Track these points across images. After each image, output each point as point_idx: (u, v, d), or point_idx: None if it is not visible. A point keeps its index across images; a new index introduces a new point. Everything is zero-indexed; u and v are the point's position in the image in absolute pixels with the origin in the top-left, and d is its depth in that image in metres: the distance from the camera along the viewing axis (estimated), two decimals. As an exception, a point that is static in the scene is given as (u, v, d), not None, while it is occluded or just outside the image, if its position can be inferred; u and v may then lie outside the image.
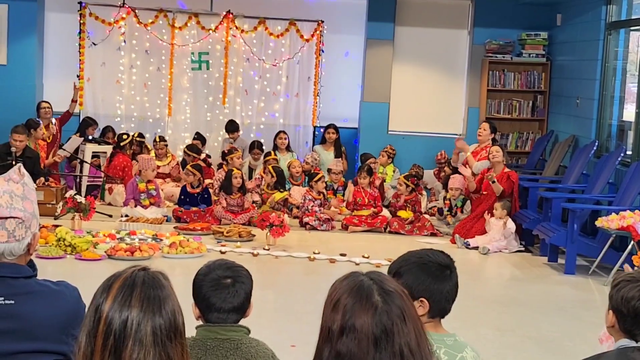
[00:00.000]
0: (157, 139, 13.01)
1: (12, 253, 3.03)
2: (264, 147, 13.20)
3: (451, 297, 3.28)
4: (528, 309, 7.99)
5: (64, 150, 12.46)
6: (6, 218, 2.99)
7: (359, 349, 2.16)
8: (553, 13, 13.37)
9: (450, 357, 3.09)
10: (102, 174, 12.44)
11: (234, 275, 3.40)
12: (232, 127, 13.43)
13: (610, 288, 3.44)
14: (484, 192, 10.84)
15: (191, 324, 3.23)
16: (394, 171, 13.10)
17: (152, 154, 12.73)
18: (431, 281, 3.14)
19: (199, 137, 13.43)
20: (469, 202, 11.43)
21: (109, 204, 12.09)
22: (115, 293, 2.28)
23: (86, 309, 2.37)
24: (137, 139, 12.97)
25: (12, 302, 2.97)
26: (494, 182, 10.63)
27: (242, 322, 3.46)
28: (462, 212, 11.53)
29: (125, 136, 12.76)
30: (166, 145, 13.00)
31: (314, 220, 11.14)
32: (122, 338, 2.23)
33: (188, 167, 11.69)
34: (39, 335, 2.97)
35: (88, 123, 13.04)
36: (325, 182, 11.99)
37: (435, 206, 12.08)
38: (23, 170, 3.13)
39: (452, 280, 3.29)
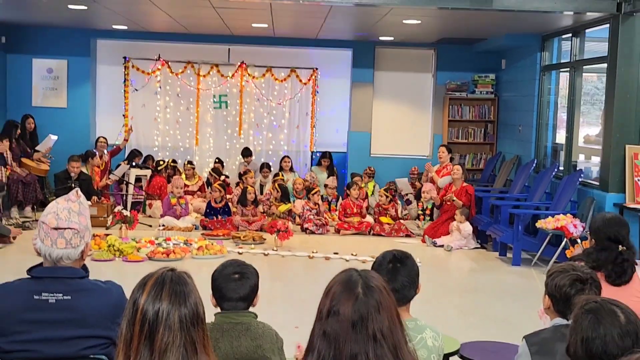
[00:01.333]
0: (186, 163, 12.99)
1: (69, 257, 3.03)
2: (271, 168, 13.21)
3: (406, 285, 3.14)
4: (484, 294, 7.96)
5: (114, 175, 12.46)
6: (65, 229, 2.99)
7: (340, 329, 2.14)
8: (499, 59, 13.40)
9: (412, 338, 3.05)
10: (143, 193, 12.43)
11: (241, 271, 3.45)
12: (246, 152, 13.43)
13: (546, 277, 3.43)
14: (448, 203, 10.84)
15: (211, 312, 3.23)
16: (374, 186, 13.09)
17: (183, 176, 12.71)
18: (385, 275, 3.07)
19: (219, 161, 13.42)
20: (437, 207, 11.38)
21: (149, 216, 12.05)
22: (149, 289, 2.28)
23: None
24: (171, 164, 13.00)
25: (69, 297, 2.97)
26: (453, 200, 10.63)
27: (254, 309, 3.47)
28: (430, 213, 11.50)
29: (161, 162, 12.80)
30: (193, 168, 12.97)
31: (312, 226, 11.13)
32: (155, 325, 2.23)
33: (215, 185, 11.67)
34: (91, 324, 2.96)
35: (134, 154, 13.05)
36: (321, 196, 12.00)
37: (407, 214, 12.06)
38: (80, 192, 3.15)
39: (403, 272, 3.15)
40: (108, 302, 3.00)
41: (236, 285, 3.38)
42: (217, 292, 3.41)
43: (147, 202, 12.29)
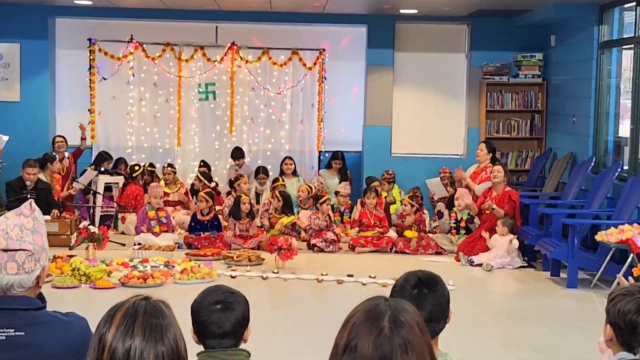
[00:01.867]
0: (166, 166, 13.00)
1: (21, 285, 3.02)
2: (269, 172, 13.20)
3: (435, 316, 3.12)
4: (533, 323, 7.94)
5: (78, 182, 12.49)
6: (16, 250, 2.99)
7: None
8: (547, 34, 13.38)
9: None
10: (115, 205, 12.45)
11: (225, 300, 3.47)
12: (237, 154, 13.43)
13: (607, 302, 3.41)
14: (487, 212, 10.81)
15: (194, 350, 3.23)
16: (399, 193, 13.06)
17: (162, 182, 12.74)
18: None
19: (204, 164, 13.38)
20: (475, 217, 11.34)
21: (122, 232, 12.09)
22: (118, 322, 2.27)
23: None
24: (148, 169, 13.01)
25: (23, 333, 2.96)
26: (493, 208, 10.60)
27: (245, 346, 3.48)
28: (465, 225, 11.46)
29: (137, 167, 12.82)
30: (174, 172, 12.97)
31: (321, 242, 11.12)
32: (125, 366, 2.22)
33: (201, 193, 11.68)
34: (49, 365, 2.96)
35: (103, 158, 13.07)
36: (332, 205, 11.99)
37: (437, 226, 12.04)
38: (34, 205, 3.13)
39: (430, 299, 3.12)
40: (70, 339, 2.99)
41: (218, 318, 3.40)
42: (197, 326, 3.44)
43: (120, 215, 12.32)
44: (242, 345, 3.47)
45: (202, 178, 12.82)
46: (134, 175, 12.66)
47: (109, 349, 2.23)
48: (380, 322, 2.13)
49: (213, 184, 12.91)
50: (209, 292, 3.50)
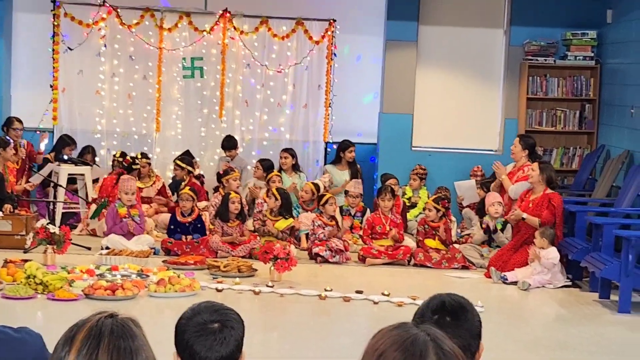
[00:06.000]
0: (139, 156, 12.95)
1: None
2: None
3: (461, 349, 3.11)
4: (577, 354, 7.93)
5: (37, 173, 12.49)
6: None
7: None
8: (603, 8, 13.37)
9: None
10: (79, 200, 12.46)
11: (223, 319, 3.38)
12: (229, 143, 13.43)
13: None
14: (514, 221, 10.81)
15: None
16: (428, 196, 12.91)
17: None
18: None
19: (187, 155, 13.28)
20: (509, 225, 11.33)
21: (91, 233, 12.02)
22: (80, 345, 2.27)
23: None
24: (119, 159, 12.97)
25: (-34, 352, 2.97)
26: (523, 218, 10.57)
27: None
28: (502, 231, 11.46)
29: (138, 157, 12.74)
30: (149, 164, 12.97)
31: (325, 251, 11.12)
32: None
33: (186, 190, 11.65)
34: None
35: (65, 142, 13.07)
36: (340, 207, 11.97)
37: (469, 234, 12.03)
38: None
39: (457, 330, 3.12)
40: (21, 358, 3.00)
41: (215, 340, 3.33)
42: (184, 350, 3.36)
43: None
44: None
45: (183, 164, 12.76)
46: (134, 167, 12.59)
47: (69, 378, 2.24)
48: (427, 357, 2.14)
49: (197, 171, 12.90)
50: (202, 308, 3.40)
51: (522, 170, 11.38)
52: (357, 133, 14.19)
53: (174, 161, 13.09)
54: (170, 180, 13.29)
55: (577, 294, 10.22)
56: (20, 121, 12.90)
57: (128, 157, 12.87)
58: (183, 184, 12.54)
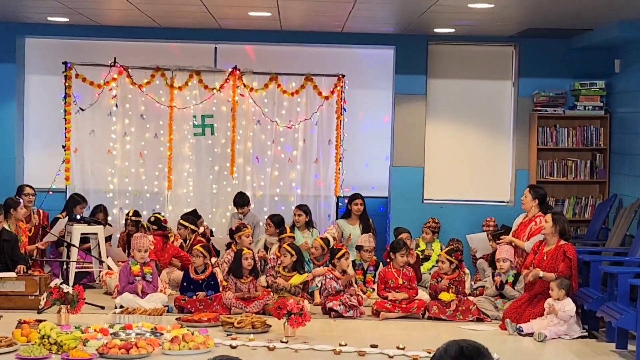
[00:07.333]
0: (152, 219, 12.86)
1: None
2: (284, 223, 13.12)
3: None
4: (594, 406, 7.89)
5: (50, 233, 12.52)
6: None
7: None
8: (611, 59, 13.42)
9: None
10: (93, 259, 12.48)
11: None
12: (241, 200, 13.45)
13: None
14: (530, 279, 10.77)
15: None
16: (441, 248, 12.89)
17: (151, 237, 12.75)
18: None
19: (193, 215, 13.26)
20: (521, 277, 11.30)
21: (107, 292, 12.03)
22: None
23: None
24: (133, 217, 13.04)
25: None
26: (540, 277, 10.54)
27: None
28: (513, 287, 11.40)
29: (160, 216, 12.79)
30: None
31: (339, 306, 11.10)
32: None
33: (197, 247, 11.68)
34: None
35: (76, 201, 13.12)
36: (353, 261, 11.96)
37: (482, 286, 11.99)
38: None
39: None
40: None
41: None
42: None
43: (106, 272, 12.27)
44: None
45: (187, 224, 12.80)
46: (155, 228, 12.60)
47: None
48: None
49: (202, 229, 12.91)
50: None
51: (534, 222, 11.36)
52: (371, 186, 14.21)
53: (178, 223, 13.06)
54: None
55: (594, 344, 10.16)
56: (31, 187, 12.92)
57: (162, 217, 12.89)
58: (188, 242, 12.58)
